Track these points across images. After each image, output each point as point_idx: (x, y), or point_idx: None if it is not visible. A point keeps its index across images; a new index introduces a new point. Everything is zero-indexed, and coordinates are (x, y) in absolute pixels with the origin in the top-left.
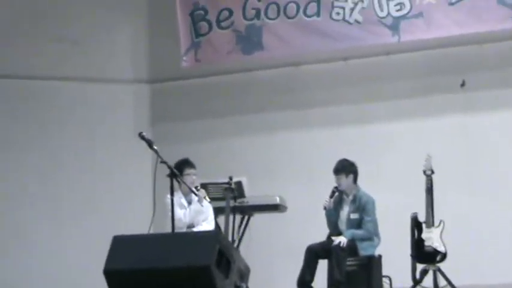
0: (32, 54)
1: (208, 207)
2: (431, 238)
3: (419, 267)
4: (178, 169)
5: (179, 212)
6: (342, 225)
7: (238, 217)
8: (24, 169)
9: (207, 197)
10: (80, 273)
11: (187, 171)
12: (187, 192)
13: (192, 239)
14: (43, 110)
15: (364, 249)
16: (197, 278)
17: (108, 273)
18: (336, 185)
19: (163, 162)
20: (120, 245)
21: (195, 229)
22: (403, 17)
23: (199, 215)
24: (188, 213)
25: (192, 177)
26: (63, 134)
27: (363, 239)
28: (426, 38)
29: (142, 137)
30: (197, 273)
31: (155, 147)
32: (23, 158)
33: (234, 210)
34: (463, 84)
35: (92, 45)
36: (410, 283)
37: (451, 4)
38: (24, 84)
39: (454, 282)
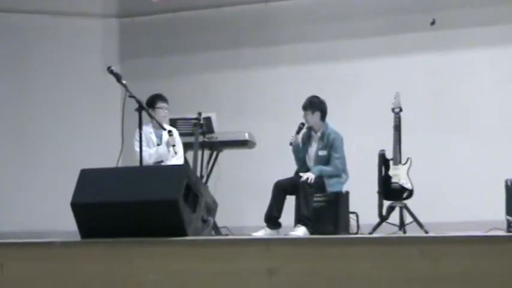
0: None
1: (178, 143)
2: (398, 175)
3: (386, 203)
4: (151, 102)
5: (144, 150)
6: (310, 161)
7: (206, 153)
8: None
9: (175, 147)
10: (48, 207)
11: (159, 104)
12: (158, 127)
13: (160, 173)
14: (8, 43)
15: (331, 186)
16: (164, 212)
17: (75, 206)
18: (303, 121)
19: (131, 96)
20: (88, 178)
21: (163, 164)
22: None
23: (163, 157)
24: (153, 154)
25: (165, 111)
26: (29, 68)
27: (330, 176)
28: None
29: (111, 71)
30: (164, 207)
31: (124, 82)
32: None
33: (203, 145)
34: (433, 23)
35: None
36: (377, 219)
37: None
38: None
39: (420, 218)
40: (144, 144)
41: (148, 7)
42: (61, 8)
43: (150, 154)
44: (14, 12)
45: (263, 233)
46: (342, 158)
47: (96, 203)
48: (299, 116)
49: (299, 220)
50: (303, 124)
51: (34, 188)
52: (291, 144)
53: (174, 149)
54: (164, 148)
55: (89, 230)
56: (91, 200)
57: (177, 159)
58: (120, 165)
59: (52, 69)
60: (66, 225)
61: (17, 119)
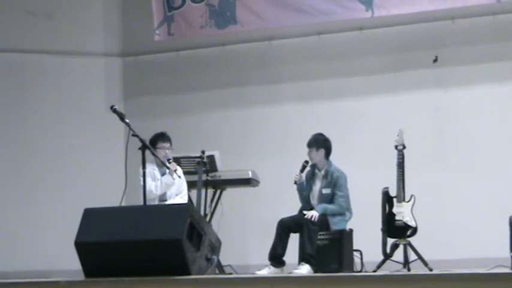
0: (4, 27)
1: (182, 182)
2: (402, 213)
3: (390, 241)
4: (153, 142)
5: (150, 184)
6: (314, 200)
7: (210, 191)
8: None
9: (178, 171)
10: (51, 247)
11: (160, 144)
12: (161, 165)
13: (164, 212)
14: (15, 83)
15: (335, 224)
16: (168, 251)
17: (79, 245)
18: (307, 159)
19: (134, 135)
20: (91, 217)
21: (167, 202)
22: None
23: (170, 188)
24: (159, 185)
25: (165, 151)
26: (35, 107)
27: (334, 214)
28: (399, 14)
29: (114, 110)
30: (168, 246)
31: (127, 121)
32: None
33: (206, 184)
34: (435, 60)
35: (64, 18)
36: (381, 257)
37: None
38: None
39: (424, 256)
40: (149, 179)
41: (151, 46)
42: (65, 48)
43: (157, 186)
44: (19, 52)
45: (267, 271)
46: (346, 197)
47: (100, 242)
48: (302, 154)
49: (303, 258)
50: (306, 162)
51: (37, 227)
52: (295, 183)
53: (177, 173)
54: (168, 177)
55: (93, 269)
56: (95, 240)
57: (181, 198)
58: (124, 203)
59: (55, 108)
60: (70, 264)
61: (19, 158)
